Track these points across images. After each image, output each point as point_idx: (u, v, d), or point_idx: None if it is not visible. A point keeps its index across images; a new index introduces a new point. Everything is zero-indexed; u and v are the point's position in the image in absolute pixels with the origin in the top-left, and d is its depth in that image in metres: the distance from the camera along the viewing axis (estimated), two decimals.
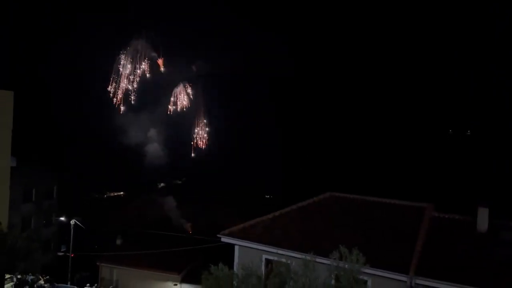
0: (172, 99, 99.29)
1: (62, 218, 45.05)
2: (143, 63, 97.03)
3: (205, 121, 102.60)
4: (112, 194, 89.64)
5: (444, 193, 58.59)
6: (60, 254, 48.28)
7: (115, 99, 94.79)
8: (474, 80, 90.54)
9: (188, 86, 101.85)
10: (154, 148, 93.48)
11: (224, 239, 19.36)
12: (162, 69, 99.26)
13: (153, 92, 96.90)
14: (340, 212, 19.73)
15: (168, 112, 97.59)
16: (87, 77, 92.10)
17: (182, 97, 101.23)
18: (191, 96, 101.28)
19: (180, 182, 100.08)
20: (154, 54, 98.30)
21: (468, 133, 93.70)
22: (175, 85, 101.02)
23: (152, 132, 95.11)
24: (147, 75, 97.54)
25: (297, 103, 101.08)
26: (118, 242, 45.33)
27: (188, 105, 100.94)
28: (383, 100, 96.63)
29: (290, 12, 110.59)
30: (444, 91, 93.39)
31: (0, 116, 23.99)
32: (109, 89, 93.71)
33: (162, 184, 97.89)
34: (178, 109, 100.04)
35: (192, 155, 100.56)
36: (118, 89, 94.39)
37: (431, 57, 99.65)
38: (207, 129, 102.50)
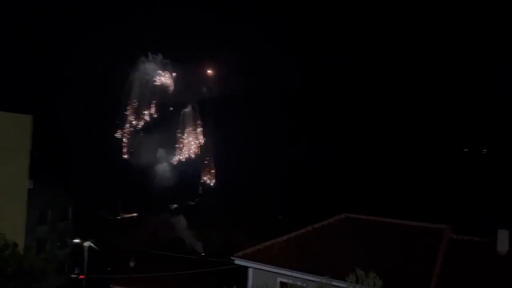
0: (180, 143, 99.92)
1: (77, 240, 45.19)
2: (152, 105, 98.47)
3: (211, 162, 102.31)
4: (126, 216, 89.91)
5: (461, 214, 57.36)
6: (74, 276, 48.34)
7: (122, 140, 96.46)
8: (489, 98, 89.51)
9: (197, 113, 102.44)
10: (167, 172, 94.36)
11: (238, 262, 19.15)
12: (171, 88, 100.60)
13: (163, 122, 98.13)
14: (356, 234, 19.43)
15: (175, 162, 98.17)
16: (102, 100, 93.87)
17: (190, 143, 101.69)
18: (198, 123, 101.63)
19: (193, 203, 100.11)
20: (162, 76, 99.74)
21: (484, 152, 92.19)
22: (185, 106, 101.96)
23: (162, 153, 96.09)
24: (154, 115, 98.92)
25: (308, 121, 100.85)
26: (132, 264, 45.12)
27: (197, 151, 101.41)
28: (398, 119, 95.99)
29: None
30: (460, 110, 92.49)
31: (19, 139, 24.50)
32: (117, 133, 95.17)
33: (175, 205, 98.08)
34: (187, 155, 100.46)
35: (200, 192, 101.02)
36: (125, 133, 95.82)
37: (445, 77, 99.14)
38: (213, 172, 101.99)
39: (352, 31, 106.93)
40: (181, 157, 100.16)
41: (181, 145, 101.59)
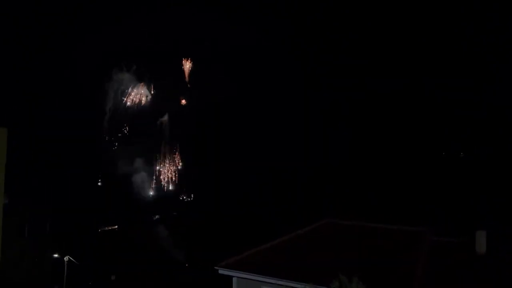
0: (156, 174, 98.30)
1: (56, 255, 44.19)
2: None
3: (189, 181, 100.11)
4: (106, 228, 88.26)
5: (440, 216, 58.34)
6: None
7: (101, 151, 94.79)
8: (466, 99, 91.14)
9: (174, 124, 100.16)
10: (145, 183, 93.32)
11: (222, 271, 19.01)
12: (149, 97, 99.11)
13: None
14: (339, 239, 19.58)
15: (151, 192, 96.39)
16: (81, 110, 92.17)
17: (167, 171, 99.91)
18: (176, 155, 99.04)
19: (175, 213, 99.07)
20: (139, 86, 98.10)
21: (462, 155, 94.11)
22: (162, 115, 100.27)
23: (140, 163, 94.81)
24: (132, 126, 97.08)
25: (290, 126, 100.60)
26: (113, 277, 44.38)
27: (174, 180, 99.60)
28: (376, 123, 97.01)
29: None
30: (437, 114, 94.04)
31: None
32: (95, 144, 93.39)
33: (157, 216, 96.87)
34: (164, 186, 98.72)
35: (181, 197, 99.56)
36: (103, 144, 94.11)
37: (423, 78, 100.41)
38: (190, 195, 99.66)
39: (352, 31, 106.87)
40: (158, 188, 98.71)
41: (158, 173, 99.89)
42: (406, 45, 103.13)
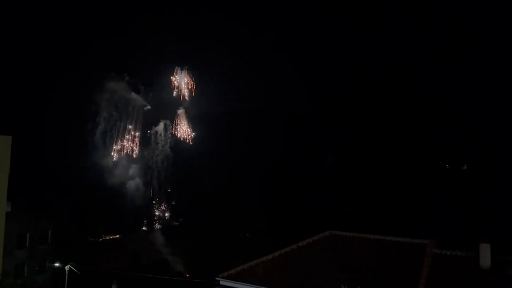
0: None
1: (57, 264, 44.01)
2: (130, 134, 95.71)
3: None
4: (108, 237, 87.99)
5: (444, 228, 57.94)
6: None
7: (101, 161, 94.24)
8: (469, 112, 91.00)
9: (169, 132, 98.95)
10: (140, 191, 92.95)
11: (223, 282, 18.90)
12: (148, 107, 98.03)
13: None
14: (341, 251, 19.43)
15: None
16: (82, 120, 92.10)
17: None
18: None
19: (177, 223, 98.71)
20: (135, 96, 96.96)
21: (465, 168, 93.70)
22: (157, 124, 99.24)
23: (134, 169, 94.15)
24: (134, 152, 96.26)
25: (291, 136, 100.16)
26: (114, 286, 44.05)
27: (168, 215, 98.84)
28: (379, 136, 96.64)
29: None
30: (440, 126, 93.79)
31: None
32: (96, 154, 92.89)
33: (158, 226, 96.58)
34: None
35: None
36: (104, 153, 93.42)
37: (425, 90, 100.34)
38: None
39: (352, 31, 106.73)
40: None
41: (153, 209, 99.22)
42: (406, 45, 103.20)
